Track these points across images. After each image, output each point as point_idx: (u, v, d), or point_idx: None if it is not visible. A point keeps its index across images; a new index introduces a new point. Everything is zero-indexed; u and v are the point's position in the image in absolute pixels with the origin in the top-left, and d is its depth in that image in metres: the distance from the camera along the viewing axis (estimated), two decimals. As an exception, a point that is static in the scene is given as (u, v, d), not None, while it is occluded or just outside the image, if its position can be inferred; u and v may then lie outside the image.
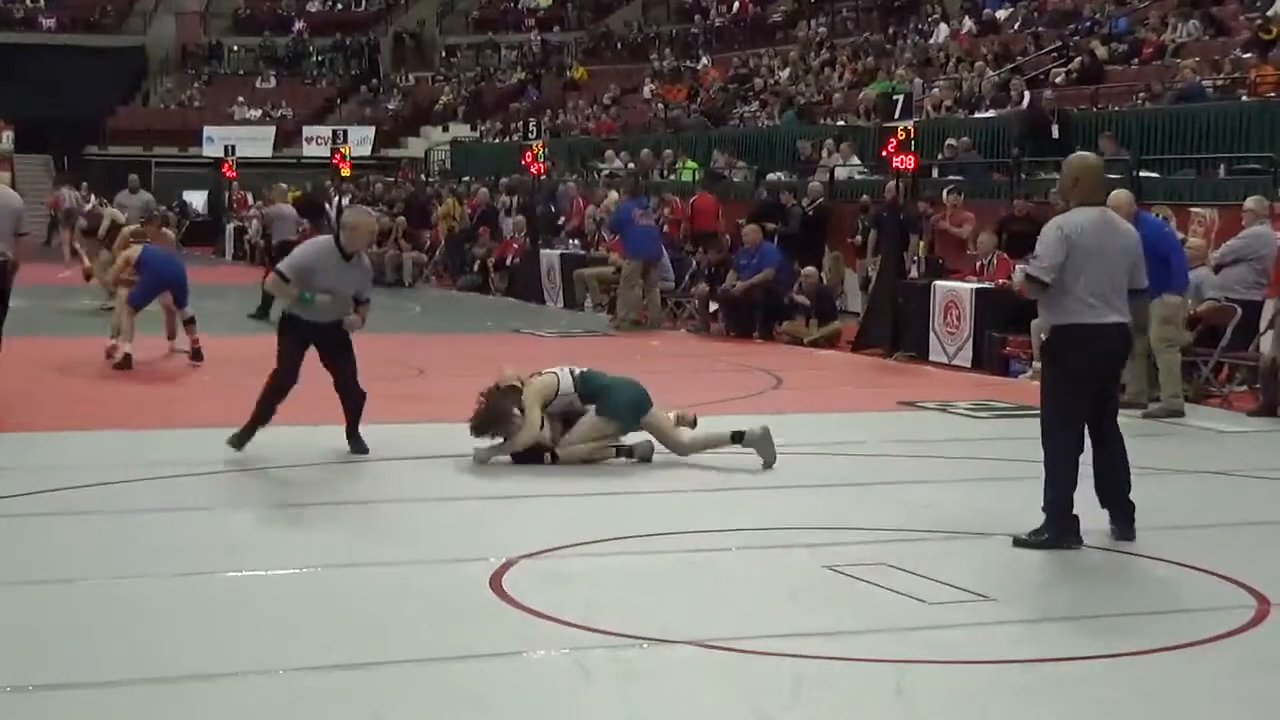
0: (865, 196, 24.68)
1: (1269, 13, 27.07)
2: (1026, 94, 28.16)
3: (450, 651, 6.74)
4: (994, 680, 6.55)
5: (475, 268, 31.00)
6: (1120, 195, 14.48)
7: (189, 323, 17.78)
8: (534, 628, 7.11)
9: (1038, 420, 14.06)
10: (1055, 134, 22.82)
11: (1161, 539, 9.17)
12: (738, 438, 11.49)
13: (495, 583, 7.86)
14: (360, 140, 49.29)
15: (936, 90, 30.28)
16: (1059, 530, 9.05)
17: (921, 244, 21.71)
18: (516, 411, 11.14)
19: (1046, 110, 23.10)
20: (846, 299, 23.73)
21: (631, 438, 11.70)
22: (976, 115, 28.33)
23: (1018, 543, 9.07)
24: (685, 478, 11.05)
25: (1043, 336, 9.75)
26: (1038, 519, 9.65)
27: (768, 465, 11.39)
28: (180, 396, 15.34)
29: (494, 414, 11.10)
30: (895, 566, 8.26)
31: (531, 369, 11.60)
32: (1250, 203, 16.48)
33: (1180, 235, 15.97)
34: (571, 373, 11.52)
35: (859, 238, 23.74)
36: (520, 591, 7.68)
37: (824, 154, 28.39)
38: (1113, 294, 9.16)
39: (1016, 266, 11.81)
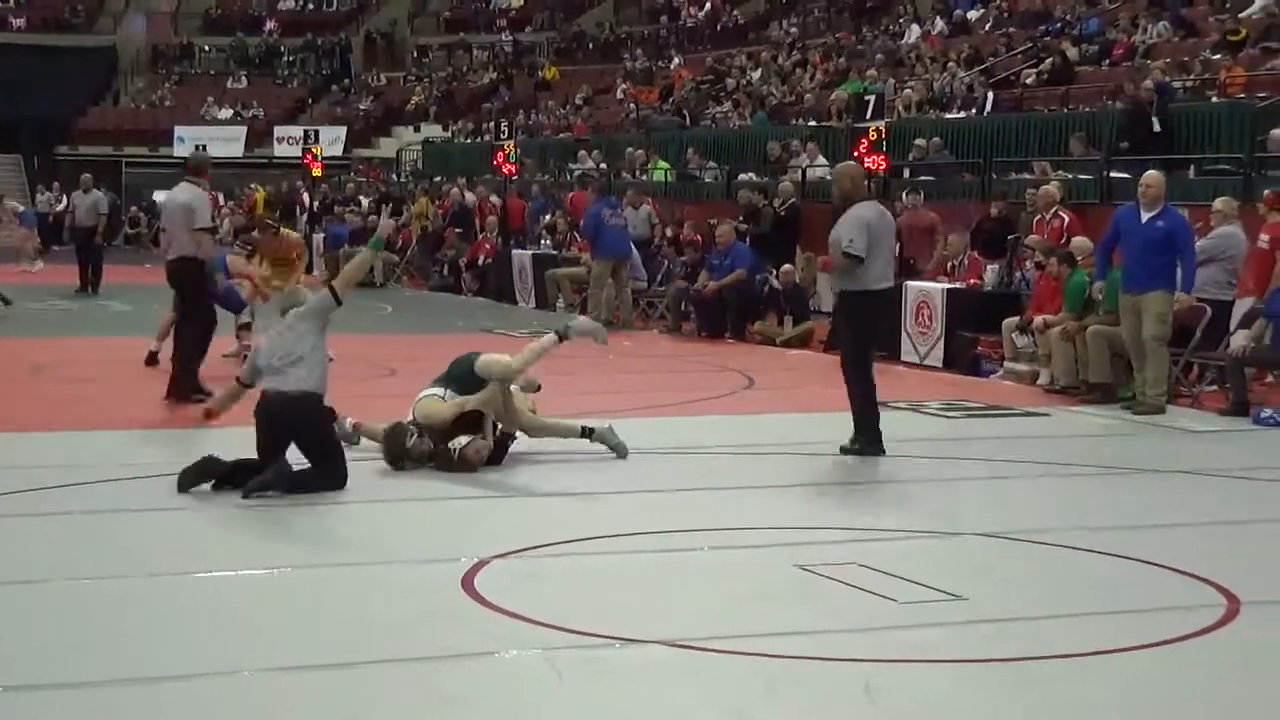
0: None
1: (1240, 15, 27.17)
2: (990, 95, 28.24)
3: (422, 652, 6.73)
4: (965, 679, 6.56)
5: (446, 269, 30.97)
6: (1152, 175, 14.67)
7: (241, 328, 17.52)
8: (506, 628, 7.10)
9: (1011, 420, 14.20)
10: (1156, 127, 22.47)
11: (1132, 538, 9.20)
12: (588, 433, 11.78)
13: (467, 583, 7.85)
14: (332, 140, 49.23)
15: (909, 91, 30.33)
16: (871, 441, 12.01)
17: (896, 245, 21.72)
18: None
19: (1146, 102, 22.79)
20: (820, 299, 23.74)
21: (592, 420, 11.97)
22: (948, 116, 28.40)
23: (843, 450, 12.00)
24: (658, 478, 11.05)
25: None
26: (1010, 517, 9.73)
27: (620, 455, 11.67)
28: (154, 398, 15.27)
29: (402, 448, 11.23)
30: (867, 566, 8.27)
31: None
32: (1218, 204, 16.56)
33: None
34: (435, 384, 11.58)
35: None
36: (492, 591, 7.67)
37: (792, 154, 28.37)
38: (890, 267, 12.60)
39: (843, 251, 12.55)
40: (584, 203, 30.37)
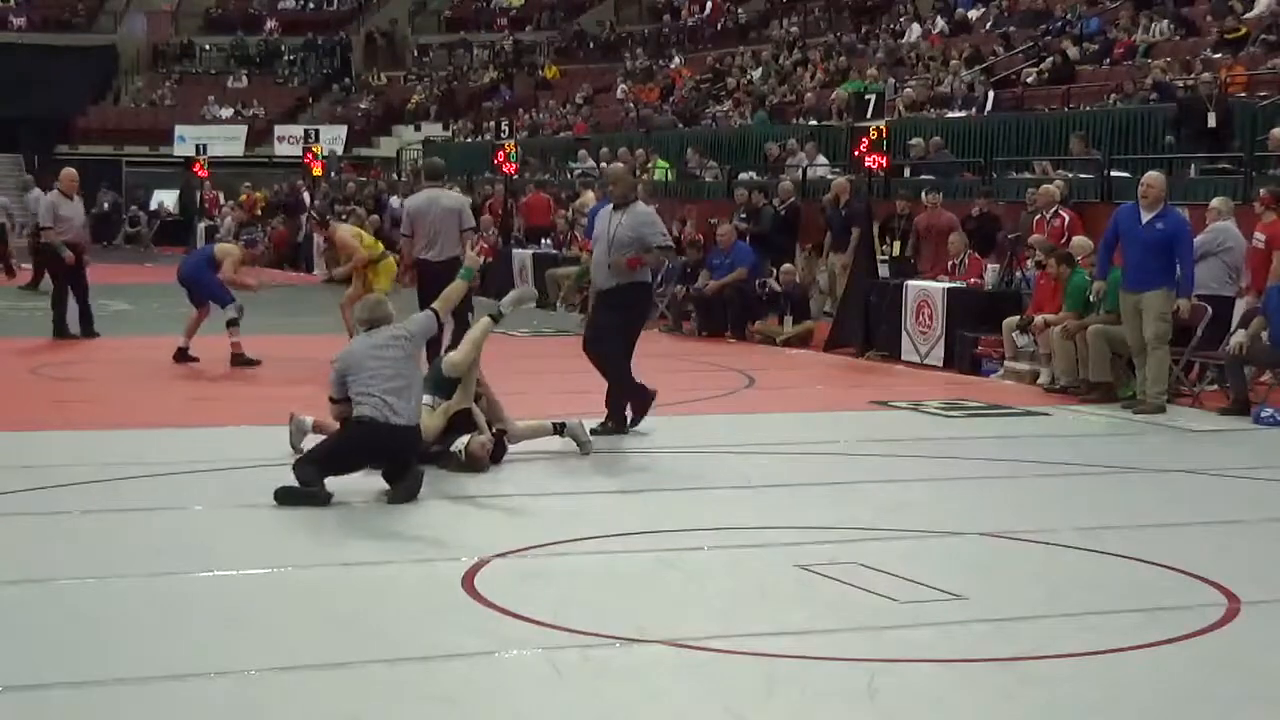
0: (828, 195, 24.49)
1: (1245, 15, 27.15)
2: (991, 94, 28.25)
3: (423, 651, 6.73)
4: (965, 679, 6.56)
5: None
6: (1153, 176, 14.68)
7: (228, 325, 17.09)
8: (506, 627, 7.10)
9: (1011, 419, 14.19)
10: (1212, 123, 21.89)
11: (1132, 537, 9.21)
12: (559, 429, 11.88)
13: (468, 582, 7.85)
14: (332, 139, 49.21)
15: (909, 90, 30.33)
16: (621, 423, 12.74)
17: (897, 243, 21.71)
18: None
19: (1204, 97, 22.49)
20: (818, 299, 23.73)
21: (562, 415, 12.04)
22: (948, 115, 28.39)
23: (594, 431, 12.09)
24: (658, 477, 11.06)
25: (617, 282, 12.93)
26: (1010, 517, 9.74)
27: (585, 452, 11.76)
28: (154, 397, 15.27)
29: None
30: (867, 565, 8.27)
31: None
32: (1216, 202, 16.57)
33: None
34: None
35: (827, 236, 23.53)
36: (493, 591, 7.67)
37: (789, 153, 28.33)
38: None
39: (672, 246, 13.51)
40: (540, 205, 30.42)
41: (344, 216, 27.68)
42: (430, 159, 17.82)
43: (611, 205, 13.26)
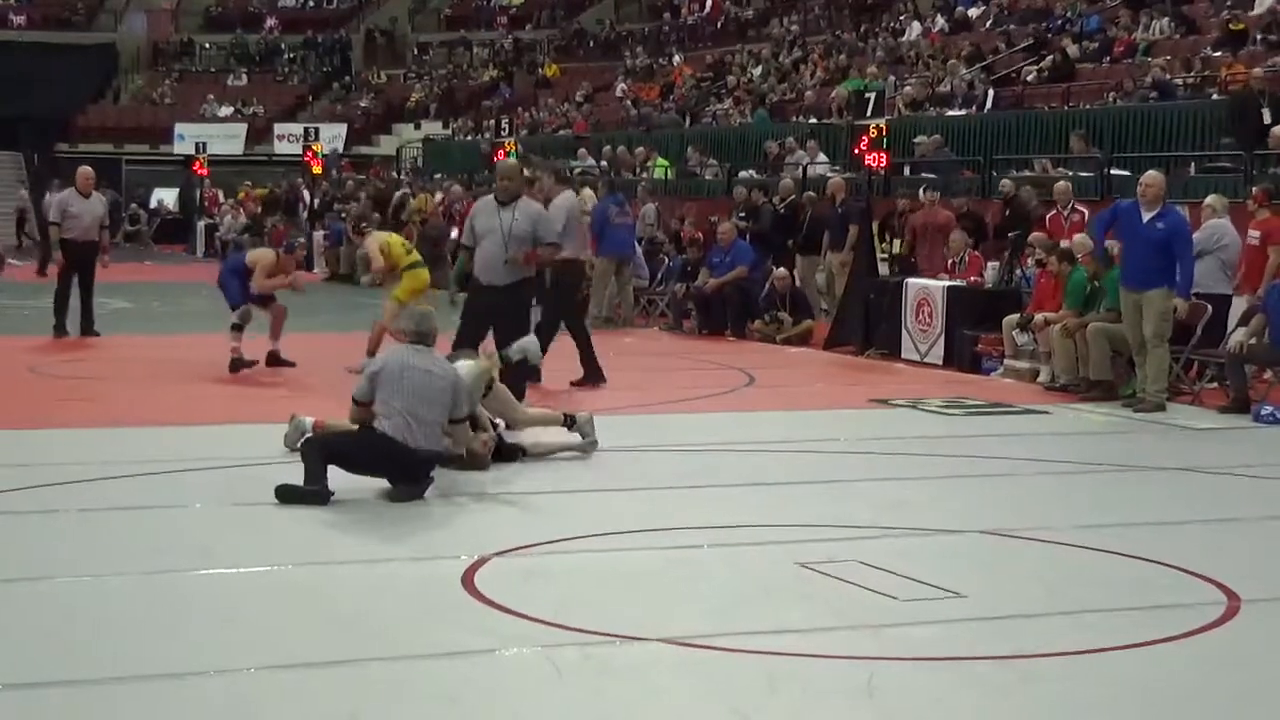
0: (810, 193, 24.43)
1: (1249, 12, 27.17)
2: (991, 92, 28.27)
3: (422, 649, 6.72)
4: (965, 677, 6.56)
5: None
6: (1151, 175, 14.71)
7: (231, 328, 16.71)
8: (506, 625, 7.10)
9: (1011, 417, 14.20)
10: (1267, 119, 21.33)
11: (1132, 535, 9.20)
12: (569, 421, 11.86)
13: (468, 580, 7.85)
14: (332, 138, 49.26)
15: (909, 88, 30.34)
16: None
17: (897, 241, 21.71)
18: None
19: (1256, 92, 21.93)
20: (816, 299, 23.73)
21: (571, 408, 12.13)
22: (948, 113, 28.41)
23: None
24: (658, 475, 11.05)
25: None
26: (1010, 514, 9.74)
27: (587, 450, 11.74)
28: (149, 395, 15.27)
29: None
30: (867, 563, 8.27)
31: None
32: (1210, 200, 16.62)
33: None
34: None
35: (800, 238, 23.38)
36: (493, 589, 7.66)
37: (788, 151, 28.33)
38: None
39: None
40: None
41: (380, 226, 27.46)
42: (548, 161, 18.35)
43: (495, 199, 13.48)
